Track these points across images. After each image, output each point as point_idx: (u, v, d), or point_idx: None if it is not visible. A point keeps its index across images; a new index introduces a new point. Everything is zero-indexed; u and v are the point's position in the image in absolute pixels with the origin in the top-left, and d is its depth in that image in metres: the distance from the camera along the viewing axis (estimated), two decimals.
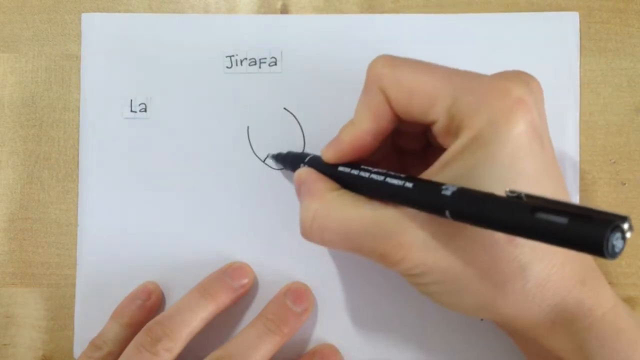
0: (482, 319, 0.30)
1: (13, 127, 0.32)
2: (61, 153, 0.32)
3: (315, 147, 0.31)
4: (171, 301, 0.31)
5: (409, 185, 0.21)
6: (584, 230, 0.15)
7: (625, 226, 0.15)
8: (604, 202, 0.31)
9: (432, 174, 0.22)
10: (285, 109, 0.31)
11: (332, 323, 0.31)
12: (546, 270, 0.21)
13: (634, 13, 0.31)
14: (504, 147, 0.21)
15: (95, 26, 0.32)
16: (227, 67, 0.31)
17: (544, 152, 0.22)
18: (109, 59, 0.32)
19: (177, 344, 0.27)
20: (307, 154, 0.28)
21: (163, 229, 0.31)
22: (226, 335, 0.31)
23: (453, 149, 0.22)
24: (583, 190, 0.31)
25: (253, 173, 0.31)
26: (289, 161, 0.29)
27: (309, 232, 0.25)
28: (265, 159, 0.31)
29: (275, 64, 0.31)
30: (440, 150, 0.23)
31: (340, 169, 0.25)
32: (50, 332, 0.32)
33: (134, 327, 0.29)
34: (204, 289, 0.29)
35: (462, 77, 0.22)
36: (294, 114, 0.31)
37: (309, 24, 0.32)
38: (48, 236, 0.32)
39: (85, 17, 0.32)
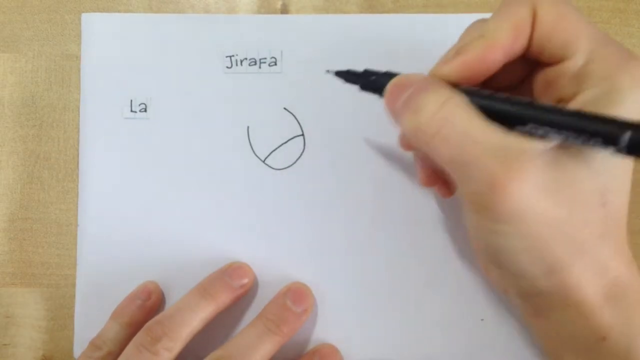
0: (482, 319, 0.30)
1: (13, 127, 0.32)
2: (61, 153, 0.32)
3: (316, 148, 0.31)
4: (171, 301, 0.31)
5: (569, 110, 0.20)
6: None
7: None
8: None
9: None
10: (285, 109, 0.31)
11: (332, 323, 0.31)
12: (617, 244, 0.22)
13: (634, 13, 0.31)
14: (637, 108, 0.21)
15: (95, 26, 0.32)
16: (227, 67, 0.31)
17: None
18: (109, 59, 0.32)
19: (177, 343, 0.27)
20: (396, 73, 0.25)
21: (163, 229, 0.31)
22: (226, 335, 0.31)
23: (584, 97, 0.22)
24: None
25: (253, 173, 0.31)
26: (366, 81, 0.26)
27: (430, 118, 0.22)
28: (266, 158, 0.31)
29: (275, 64, 0.31)
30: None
31: (462, 88, 0.23)
32: (50, 332, 0.32)
33: (133, 327, 0.29)
34: (204, 289, 0.29)
35: (602, 32, 0.23)
36: (294, 114, 0.31)
37: (309, 24, 0.32)
38: (48, 236, 0.32)
39: (85, 17, 0.32)
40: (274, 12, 0.32)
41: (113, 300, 0.30)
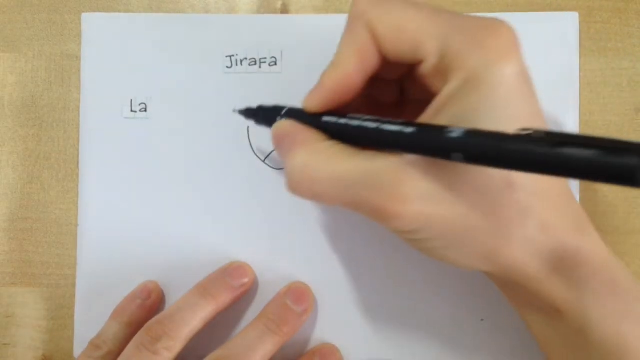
0: (482, 319, 0.30)
1: (13, 127, 0.32)
2: (61, 153, 0.32)
3: None
4: (171, 301, 0.31)
5: (409, 130, 0.20)
6: (614, 161, 0.15)
7: None
8: (603, 201, 0.31)
9: (426, 120, 0.21)
10: None
11: (332, 323, 0.31)
12: (545, 215, 0.21)
13: (634, 13, 0.31)
14: (498, 88, 0.20)
15: (95, 26, 0.32)
16: (227, 67, 0.31)
17: (533, 96, 0.21)
18: (109, 59, 0.32)
19: (177, 343, 0.27)
20: (283, 107, 0.26)
21: (163, 229, 0.31)
22: (226, 335, 0.31)
23: (445, 92, 0.21)
24: (583, 189, 0.31)
25: (253, 173, 0.31)
26: (262, 116, 0.27)
27: (297, 185, 0.23)
28: (266, 158, 0.31)
29: (275, 64, 0.31)
30: (416, 102, 0.22)
31: (325, 119, 0.24)
32: (50, 332, 0.32)
33: (133, 327, 0.29)
34: (204, 288, 0.29)
35: (451, 15, 0.22)
36: None
37: (309, 24, 0.32)
38: (48, 236, 0.32)
39: (85, 17, 0.32)
40: (274, 12, 0.32)
41: (113, 300, 0.30)
